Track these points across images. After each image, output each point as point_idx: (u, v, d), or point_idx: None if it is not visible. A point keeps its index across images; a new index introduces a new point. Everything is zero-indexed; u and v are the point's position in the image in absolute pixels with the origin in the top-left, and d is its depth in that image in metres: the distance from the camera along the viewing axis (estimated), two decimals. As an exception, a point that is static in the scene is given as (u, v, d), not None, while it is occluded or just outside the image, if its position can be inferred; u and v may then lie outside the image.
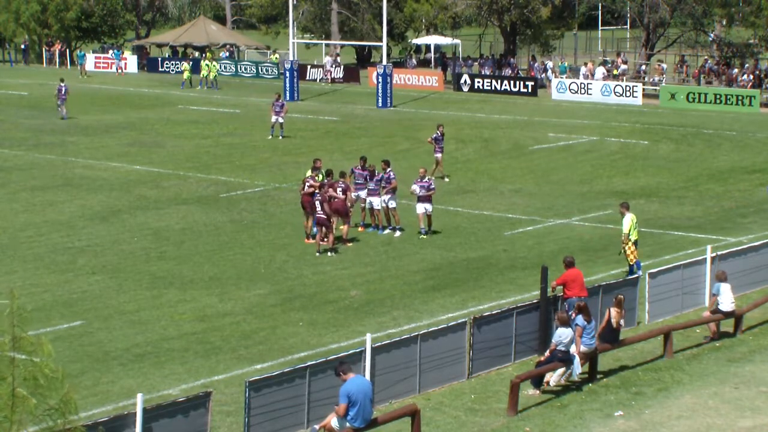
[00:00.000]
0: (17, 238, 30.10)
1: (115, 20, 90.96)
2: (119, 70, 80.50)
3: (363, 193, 30.75)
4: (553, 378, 19.29)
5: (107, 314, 23.30)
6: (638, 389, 19.29)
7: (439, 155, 38.44)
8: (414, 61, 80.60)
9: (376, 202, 30.61)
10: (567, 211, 33.79)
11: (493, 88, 67.62)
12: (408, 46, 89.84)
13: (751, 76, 62.06)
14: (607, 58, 73.38)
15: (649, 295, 22.89)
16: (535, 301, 21.19)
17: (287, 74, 63.22)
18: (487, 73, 70.61)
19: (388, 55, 68.36)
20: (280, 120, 47.97)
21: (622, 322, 20.42)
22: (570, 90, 64.62)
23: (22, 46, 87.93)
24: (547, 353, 19.30)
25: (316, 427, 16.28)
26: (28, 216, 32.89)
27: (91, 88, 68.93)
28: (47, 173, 39.79)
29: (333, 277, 26.42)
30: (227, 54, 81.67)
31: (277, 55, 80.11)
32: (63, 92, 54.38)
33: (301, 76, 68.16)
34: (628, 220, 25.91)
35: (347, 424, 15.78)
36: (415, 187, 29.84)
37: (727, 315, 22.11)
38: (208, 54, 76.76)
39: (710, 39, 74.11)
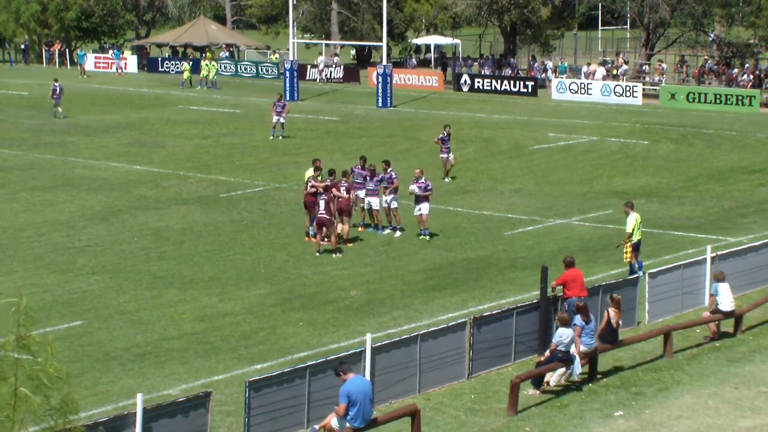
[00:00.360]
0: (17, 238, 30.09)
1: (115, 20, 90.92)
2: (119, 70, 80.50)
3: (362, 193, 30.71)
4: (553, 378, 19.29)
5: (107, 314, 23.30)
6: (638, 389, 19.28)
7: (445, 156, 38.41)
8: (414, 61, 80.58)
9: (375, 202, 30.59)
10: (567, 211, 33.79)
11: (493, 88, 67.62)
12: (408, 46, 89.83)
13: (751, 76, 62.05)
14: (607, 58, 73.38)
15: (649, 295, 22.88)
16: (535, 301, 21.18)
17: (287, 74, 63.21)
18: (487, 73, 70.60)
19: (388, 55, 68.32)
20: (282, 120, 47.98)
21: (620, 321, 20.44)
22: (570, 90, 64.61)
23: (22, 46, 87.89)
24: (547, 353, 19.30)
25: (316, 427, 16.28)
26: (28, 216, 32.89)
27: (91, 88, 68.95)
28: (47, 173, 39.79)
29: (333, 277, 26.42)
30: (227, 54, 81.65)
31: (277, 55, 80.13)
32: (57, 92, 54.36)
33: (301, 76, 68.14)
34: (632, 220, 25.85)
35: (347, 424, 15.78)
36: (414, 187, 29.83)
37: (727, 315, 22.10)
38: (208, 54, 76.75)
39: (710, 39, 74.08)
